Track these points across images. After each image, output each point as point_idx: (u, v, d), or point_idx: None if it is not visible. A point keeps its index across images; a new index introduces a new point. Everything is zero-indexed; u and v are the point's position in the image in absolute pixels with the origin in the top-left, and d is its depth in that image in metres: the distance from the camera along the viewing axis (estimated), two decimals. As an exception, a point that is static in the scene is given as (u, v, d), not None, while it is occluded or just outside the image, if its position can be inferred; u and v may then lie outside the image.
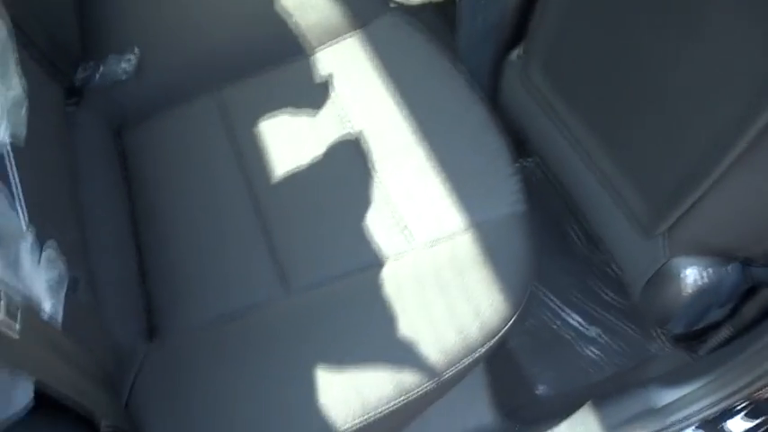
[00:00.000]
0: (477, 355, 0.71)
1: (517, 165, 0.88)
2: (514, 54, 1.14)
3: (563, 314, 1.21)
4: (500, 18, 1.16)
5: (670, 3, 0.79)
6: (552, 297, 1.23)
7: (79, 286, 0.69)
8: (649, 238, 0.85)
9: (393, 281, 0.76)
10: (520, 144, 1.07)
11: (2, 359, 0.44)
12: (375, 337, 0.71)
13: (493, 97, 1.27)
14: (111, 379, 0.63)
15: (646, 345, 1.14)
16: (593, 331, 1.19)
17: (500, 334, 0.72)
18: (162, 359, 0.74)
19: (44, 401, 0.51)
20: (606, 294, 1.22)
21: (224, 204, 0.90)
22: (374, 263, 0.80)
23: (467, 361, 0.70)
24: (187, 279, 0.84)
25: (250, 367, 0.71)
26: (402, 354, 0.68)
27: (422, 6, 1.41)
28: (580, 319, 1.20)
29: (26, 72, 0.72)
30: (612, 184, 0.94)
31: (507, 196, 0.82)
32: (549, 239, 1.27)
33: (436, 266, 0.76)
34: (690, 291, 0.83)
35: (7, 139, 0.60)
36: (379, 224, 0.83)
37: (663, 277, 0.86)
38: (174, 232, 0.89)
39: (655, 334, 1.15)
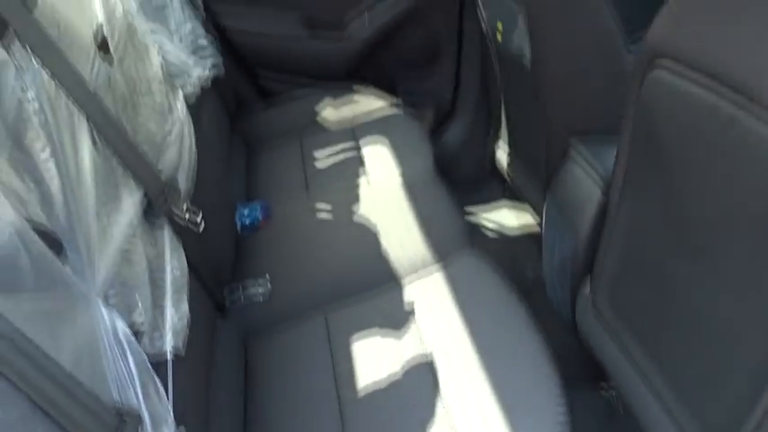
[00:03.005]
0: None
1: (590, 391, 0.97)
2: (587, 286, 1.30)
3: None
4: (573, 252, 1.34)
5: (700, 252, 0.93)
6: None
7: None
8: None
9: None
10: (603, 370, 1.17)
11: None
12: None
13: (574, 325, 1.40)
14: None
15: None
16: None
17: None
18: None
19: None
20: None
21: (316, 414, 1.07)
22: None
23: None
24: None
25: None
26: None
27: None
28: None
29: (190, 292, 1.00)
30: (674, 413, 1.00)
31: (552, 417, 0.92)
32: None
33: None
34: None
35: (169, 349, 0.85)
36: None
37: None
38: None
39: None
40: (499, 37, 1.64)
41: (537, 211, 1.61)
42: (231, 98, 1.90)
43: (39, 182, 0.73)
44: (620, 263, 1.18)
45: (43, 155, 0.75)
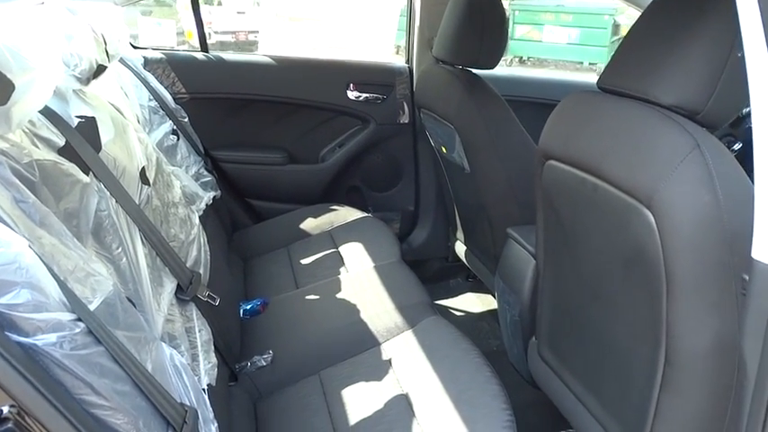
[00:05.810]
0: None
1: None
2: (533, 339, 1.60)
3: None
4: (519, 313, 1.65)
5: (599, 294, 1.25)
6: None
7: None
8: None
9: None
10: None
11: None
12: None
13: (530, 374, 1.68)
14: None
15: None
16: None
17: None
18: None
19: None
20: None
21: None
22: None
23: None
24: None
25: None
26: None
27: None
28: None
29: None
30: (603, 422, 1.27)
31: (500, 423, 1.18)
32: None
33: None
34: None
35: (204, 386, 1.10)
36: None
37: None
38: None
39: None
40: (444, 150, 2.06)
41: (492, 289, 1.94)
42: (228, 220, 2.26)
43: (116, 265, 1.05)
44: (553, 315, 1.50)
45: (115, 249, 1.07)
